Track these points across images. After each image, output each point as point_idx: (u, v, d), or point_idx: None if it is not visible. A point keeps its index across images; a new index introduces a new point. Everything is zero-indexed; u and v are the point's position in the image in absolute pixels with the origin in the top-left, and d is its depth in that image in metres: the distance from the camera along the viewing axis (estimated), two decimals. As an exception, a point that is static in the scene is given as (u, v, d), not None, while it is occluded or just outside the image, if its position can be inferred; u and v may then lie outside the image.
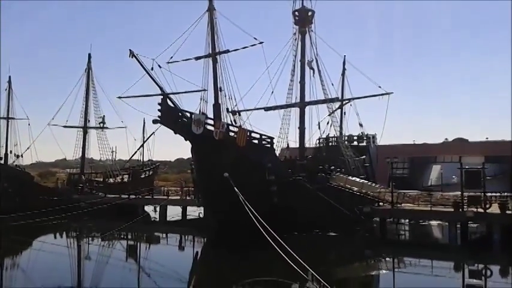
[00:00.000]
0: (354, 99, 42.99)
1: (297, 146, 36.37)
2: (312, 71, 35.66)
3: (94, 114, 47.99)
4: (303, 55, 35.62)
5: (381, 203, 30.96)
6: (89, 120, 47.91)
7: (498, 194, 31.74)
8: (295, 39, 35.65)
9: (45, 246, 27.58)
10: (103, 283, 17.95)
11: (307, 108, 35.98)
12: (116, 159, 53.13)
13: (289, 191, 27.21)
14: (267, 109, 35.87)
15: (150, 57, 26.13)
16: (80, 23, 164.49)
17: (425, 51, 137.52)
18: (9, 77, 47.10)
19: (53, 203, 37.54)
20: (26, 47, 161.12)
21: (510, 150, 58.25)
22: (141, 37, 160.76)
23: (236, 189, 23.20)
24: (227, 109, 29.90)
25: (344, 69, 44.87)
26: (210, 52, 28.70)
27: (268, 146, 28.12)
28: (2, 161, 43.90)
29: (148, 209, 42.70)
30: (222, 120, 27.55)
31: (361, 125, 43.35)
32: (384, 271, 21.07)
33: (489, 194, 27.28)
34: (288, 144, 36.85)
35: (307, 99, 35.59)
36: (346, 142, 40.65)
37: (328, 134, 40.86)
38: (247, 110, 33.78)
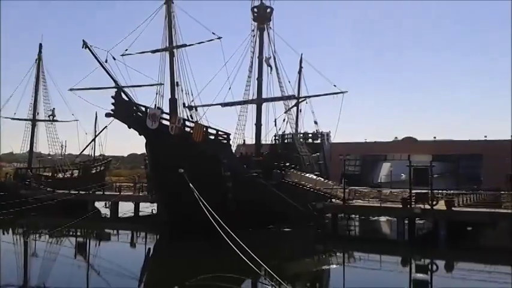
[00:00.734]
0: (309, 97, 43.76)
1: (253, 142, 36.59)
2: (269, 68, 36.01)
3: (44, 106, 46.65)
4: (260, 52, 35.84)
5: (333, 200, 31.64)
6: (38, 113, 46.51)
7: (444, 191, 33.22)
8: (254, 36, 35.82)
9: (-12, 243, 26.30)
10: (50, 281, 17.28)
11: (264, 105, 36.28)
12: (66, 153, 51.72)
13: (244, 187, 27.27)
14: (224, 105, 35.81)
15: (104, 49, 25.49)
16: (32, 11, 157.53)
17: (382, 51, 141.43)
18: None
19: (-2, 199, 35.86)
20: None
21: (456, 149, 61.33)
22: (97, 28, 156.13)
23: (191, 185, 23.02)
24: (184, 104, 29.68)
25: (301, 67, 45.58)
26: (167, 45, 28.33)
27: (225, 142, 28.06)
28: None
29: (99, 205, 41.59)
30: (179, 115, 27.26)
31: (316, 122, 44.19)
32: (335, 266, 21.55)
33: (436, 191, 28.39)
34: (244, 141, 37.02)
35: (264, 96, 35.88)
36: (301, 139, 41.25)
37: (284, 131, 41.37)
38: (204, 106, 33.68)
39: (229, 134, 28.74)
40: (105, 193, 39.50)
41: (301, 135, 43.10)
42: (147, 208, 37.56)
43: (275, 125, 38.59)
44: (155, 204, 35.20)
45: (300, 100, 43.93)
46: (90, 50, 24.48)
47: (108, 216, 37.53)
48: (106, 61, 25.07)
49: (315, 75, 55.94)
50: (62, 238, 27.80)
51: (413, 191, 27.53)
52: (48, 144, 46.91)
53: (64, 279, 17.52)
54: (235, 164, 28.47)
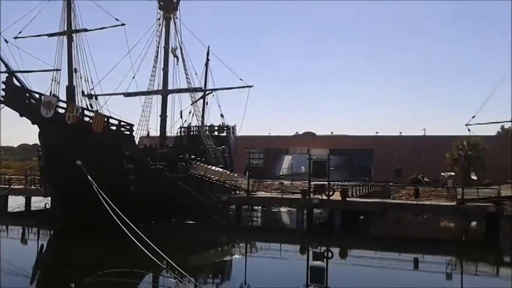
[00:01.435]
0: (216, 90, 43.84)
1: (158, 134, 35.88)
2: (175, 58, 35.47)
3: None
4: (167, 42, 35.16)
5: (237, 192, 32.25)
6: None
7: (340, 183, 35.50)
8: (159, 25, 35.01)
9: None
10: None
11: (169, 96, 35.70)
12: None
13: (147, 180, 26.73)
14: (126, 95, 34.69)
15: (-5, 30, 23.47)
16: None
17: (289, 46, 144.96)
18: None
19: None
20: None
21: (351, 143, 65.92)
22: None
23: (90, 178, 22.00)
24: (82, 92, 28.41)
25: (208, 59, 45.46)
26: (66, 29, 26.82)
27: (127, 133, 27.21)
28: None
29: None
30: (76, 103, 25.97)
31: (222, 115, 44.44)
32: (237, 256, 22.10)
33: (332, 183, 30.24)
34: (148, 132, 36.16)
35: (170, 87, 35.30)
36: (207, 132, 41.33)
37: (190, 123, 41.19)
38: (106, 95, 32.40)
39: (133, 125, 27.98)
40: (-8, 186, 36.24)
41: (207, 128, 43.18)
42: (40, 202, 35.26)
43: (181, 117, 38.26)
44: (49, 198, 33.15)
45: (206, 93, 43.88)
46: (-24, 31, 22.40)
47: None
48: (-4, 43, 23.19)
49: (225, 68, 56.10)
50: None
51: (312, 183, 29.00)
52: None
53: None
54: (138, 156, 27.74)
